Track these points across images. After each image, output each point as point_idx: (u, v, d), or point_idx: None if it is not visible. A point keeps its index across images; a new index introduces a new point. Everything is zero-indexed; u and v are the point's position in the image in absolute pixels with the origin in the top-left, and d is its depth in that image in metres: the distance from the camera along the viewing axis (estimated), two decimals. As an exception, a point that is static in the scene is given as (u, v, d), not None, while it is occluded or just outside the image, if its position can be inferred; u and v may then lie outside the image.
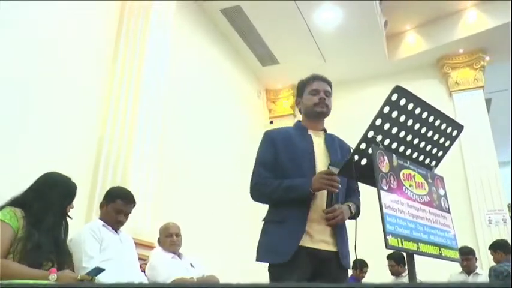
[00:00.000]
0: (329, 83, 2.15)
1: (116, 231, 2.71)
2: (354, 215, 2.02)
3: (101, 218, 2.70)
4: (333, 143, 2.10)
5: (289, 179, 1.92)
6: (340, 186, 1.90)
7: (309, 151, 2.01)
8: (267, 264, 1.94)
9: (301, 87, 2.17)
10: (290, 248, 1.81)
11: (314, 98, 2.08)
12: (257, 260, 1.94)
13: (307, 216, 1.88)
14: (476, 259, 4.61)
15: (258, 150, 2.09)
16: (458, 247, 4.47)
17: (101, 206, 2.76)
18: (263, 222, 2.01)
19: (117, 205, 2.67)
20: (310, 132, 2.09)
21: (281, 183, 1.91)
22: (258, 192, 1.99)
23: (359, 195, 2.18)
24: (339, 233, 1.94)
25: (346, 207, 1.98)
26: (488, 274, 4.06)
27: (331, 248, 1.91)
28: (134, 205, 2.75)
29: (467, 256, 4.51)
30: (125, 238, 2.75)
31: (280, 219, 1.90)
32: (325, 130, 2.16)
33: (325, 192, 1.91)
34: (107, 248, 2.55)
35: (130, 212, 2.73)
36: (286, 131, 2.12)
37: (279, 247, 1.84)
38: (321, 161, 2.00)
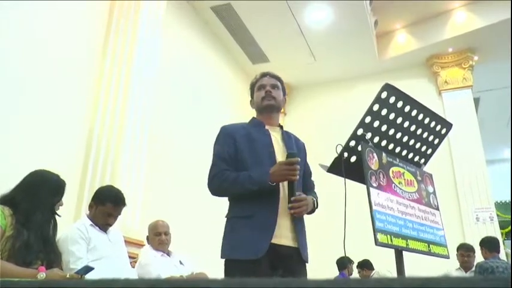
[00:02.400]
0: (277, 78, 2.15)
1: (104, 231, 2.64)
2: (314, 210, 2.02)
3: (89, 218, 2.63)
4: (289, 139, 2.10)
5: (246, 172, 1.88)
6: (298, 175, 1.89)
7: (269, 146, 1.99)
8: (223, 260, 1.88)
9: (252, 88, 2.17)
10: (263, 244, 1.77)
11: (261, 92, 2.09)
12: (224, 256, 1.87)
13: (278, 211, 1.85)
14: (475, 256, 4.52)
15: (216, 144, 2.05)
16: (459, 244, 4.51)
17: (90, 206, 2.66)
18: (228, 218, 1.95)
19: (106, 208, 2.57)
20: (267, 127, 2.08)
21: (238, 176, 1.87)
22: (215, 186, 1.95)
23: (314, 187, 2.19)
24: (299, 227, 1.92)
25: (311, 199, 1.96)
26: (475, 271, 4.06)
27: (291, 243, 1.88)
28: (124, 206, 2.66)
29: (469, 252, 4.45)
30: (113, 237, 2.69)
31: (248, 214, 1.85)
32: (281, 126, 2.16)
33: (285, 183, 1.89)
34: (95, 247, 2.50)
35: (120, 214, 2.66)
36: (243, 126, 2.09)
37: (251, 243, 1.79)
38: (281, 156, 1.98)
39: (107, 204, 2.58)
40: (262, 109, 2.10)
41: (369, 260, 5.50)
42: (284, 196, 1.90)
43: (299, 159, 1.86)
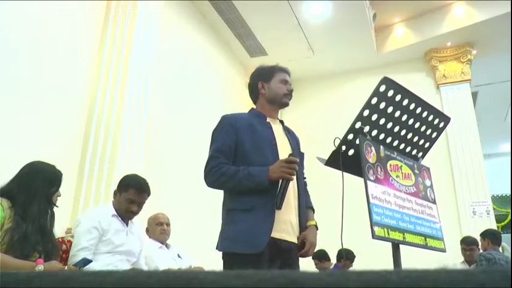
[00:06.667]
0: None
1: (125, 223, 2.61)
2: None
3: (114, 206, 2.62)
4: (289, 133, 2.13)
5: (245, 167, 1.86)
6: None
7: (271, 140, 1.99)
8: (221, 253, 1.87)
9: (269, 73, 2.14)
10: (263, 238, 1.77)
11: (284, 87, 2.10)
12: (223, 249, 1.86)
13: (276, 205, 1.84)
14: (479, 249, 4.47)
15: (216, 134, 2.01)
16: (462, 237, 4.51)
17: (114, 194, 2.67)
18: (227, 210, 1.93)
19: (129, 194, 2.57)
20: (268, 119, 2.07)
21: (237, 172, 1.85)
22: (212, 179, 1.92)
23: (306, 185, 2.18)
24: (302, 224, 1.93)
25: (314, 229, 1.99)
26: (479, 259, 4.02)
27: (292, 238, 1.89)
28: (148, 195, 2.64)
29: (471, 246, 4.43)
30: (133, 231, 2.66)
31: (248, 207, 1.83)
32: (282, 121, 2.17)
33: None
34: (109, 240, 2.47)
35: (143, 202, 2.63)
36: (245, 117, 2.05)
37: (251, 237, 1.78)
38: (283, 150, 1.98)
39: (129, 190, 2.57)
40: (277, 102, 2.10)
41: (325, 251, 5.20)
42: (291, 190, 1.90)
43: (298, 159, 1.86)
